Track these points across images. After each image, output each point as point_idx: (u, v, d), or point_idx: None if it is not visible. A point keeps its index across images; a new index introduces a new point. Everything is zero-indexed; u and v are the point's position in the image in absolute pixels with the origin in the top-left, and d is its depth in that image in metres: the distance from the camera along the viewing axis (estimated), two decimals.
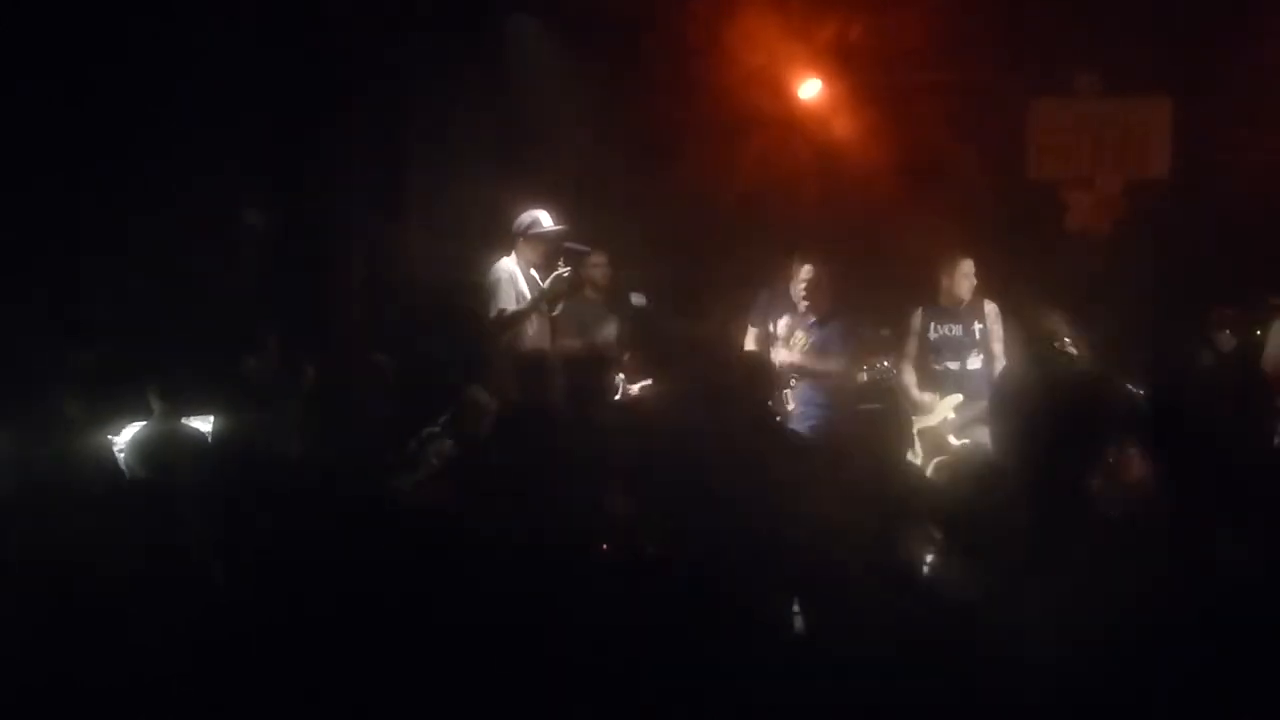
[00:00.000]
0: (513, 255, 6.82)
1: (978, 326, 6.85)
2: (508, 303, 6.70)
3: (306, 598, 3.59)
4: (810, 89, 8.24)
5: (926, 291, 6.99)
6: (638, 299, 7.52)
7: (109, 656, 3.20)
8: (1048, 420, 3.34)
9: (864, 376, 6.95)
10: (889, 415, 7.03)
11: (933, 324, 6.92)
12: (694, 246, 8.27)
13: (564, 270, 6.79)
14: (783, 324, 6.97)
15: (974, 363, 6.81)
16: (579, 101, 8.08)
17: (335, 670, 3.25)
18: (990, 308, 6.89)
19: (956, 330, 6.88)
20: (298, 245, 7.72)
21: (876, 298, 7.46)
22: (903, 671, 2.95)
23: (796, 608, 3.73)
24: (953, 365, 6.82)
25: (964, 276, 6.85)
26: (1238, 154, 7.53)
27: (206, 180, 7.14)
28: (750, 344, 7.12)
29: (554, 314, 6.92)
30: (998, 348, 6.82)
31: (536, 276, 6.86)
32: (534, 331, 6.76)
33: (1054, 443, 3.28)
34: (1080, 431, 3.35)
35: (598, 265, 7.50)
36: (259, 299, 7.31)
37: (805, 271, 6.83)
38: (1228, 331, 7.32)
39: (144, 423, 5.30)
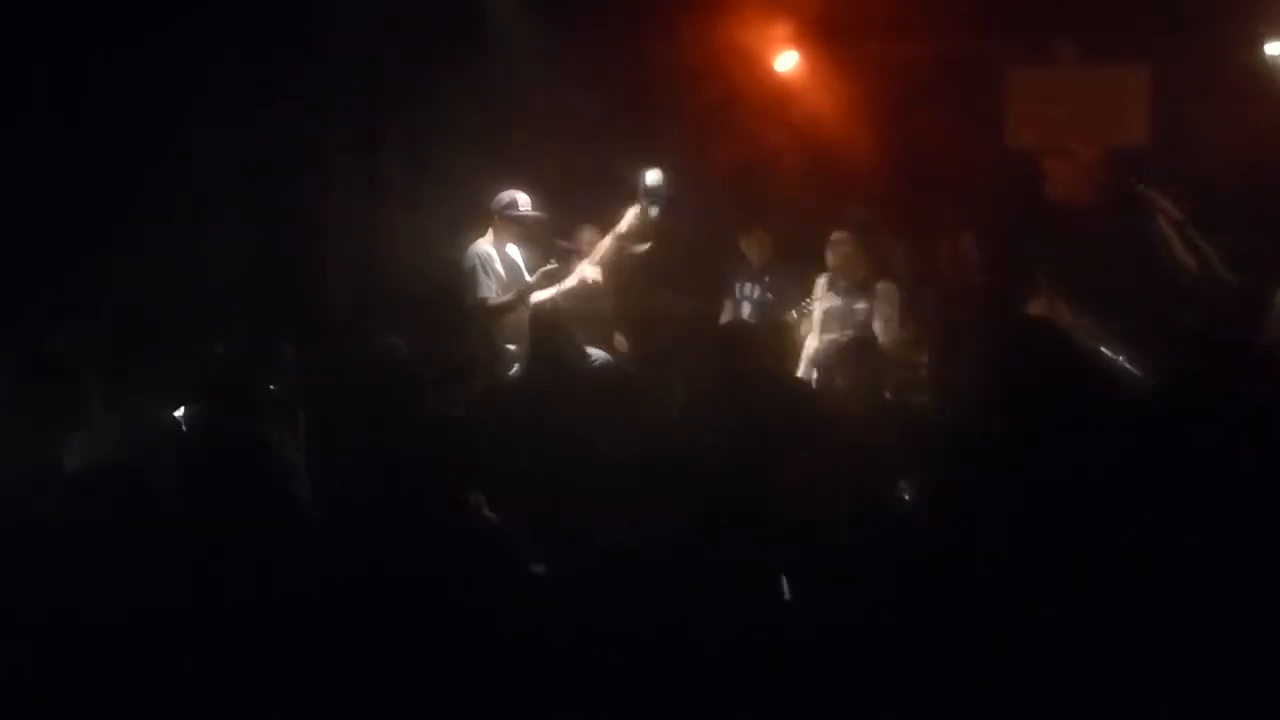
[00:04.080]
0: (488, 234, 6.77)
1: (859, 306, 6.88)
2: (487, 291, 6.63)
3: (283, 580, 3.65)
4: (786, 62, 8.22)
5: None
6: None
7: (85, 641, 3.24)
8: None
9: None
10: None
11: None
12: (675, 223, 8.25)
13: (551, 266, 6.70)
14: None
15: None
16: (560, 78, 8.05)
17: (315, 653, 3.30)
18: (884, 287, 6.92)
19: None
20: (278, 229, 7.73)
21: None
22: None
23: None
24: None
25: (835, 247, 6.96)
26: (1217, 123, 7.50)
27: (183, 167, 7.15)
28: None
29: None
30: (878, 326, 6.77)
31: (514, 255, 6.82)
32: (514, 316, 6.73)
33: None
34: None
35: (592, 244, 7.50)
36: (237, 285, 7.32)
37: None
38: None
39: (120, 408, 5.35)
